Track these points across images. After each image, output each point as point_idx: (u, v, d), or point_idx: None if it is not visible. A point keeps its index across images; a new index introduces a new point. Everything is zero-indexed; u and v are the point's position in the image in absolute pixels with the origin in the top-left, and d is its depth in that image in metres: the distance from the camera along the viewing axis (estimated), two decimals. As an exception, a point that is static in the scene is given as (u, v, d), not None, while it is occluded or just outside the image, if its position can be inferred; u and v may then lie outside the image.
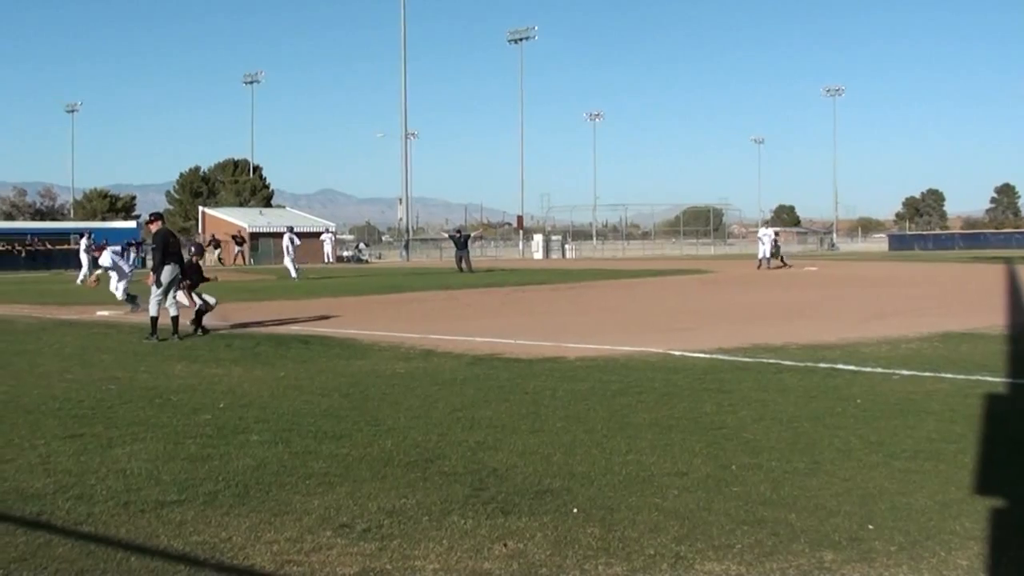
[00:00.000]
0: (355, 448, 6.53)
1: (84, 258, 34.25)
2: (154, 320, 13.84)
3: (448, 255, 56.25)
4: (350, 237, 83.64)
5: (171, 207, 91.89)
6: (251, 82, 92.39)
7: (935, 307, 18.76)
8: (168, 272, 14.12)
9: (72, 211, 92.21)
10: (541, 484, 5.56)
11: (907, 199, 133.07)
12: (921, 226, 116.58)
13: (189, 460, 6.21)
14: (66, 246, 50.97)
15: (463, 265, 38.46)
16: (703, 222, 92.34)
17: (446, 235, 54.72)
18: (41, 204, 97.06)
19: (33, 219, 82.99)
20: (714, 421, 7.36)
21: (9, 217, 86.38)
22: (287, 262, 35.31)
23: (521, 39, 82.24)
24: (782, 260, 40.52)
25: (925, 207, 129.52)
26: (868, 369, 9.89)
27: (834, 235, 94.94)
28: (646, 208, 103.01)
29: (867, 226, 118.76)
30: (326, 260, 56.44)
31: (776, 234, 42.00)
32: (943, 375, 9.42)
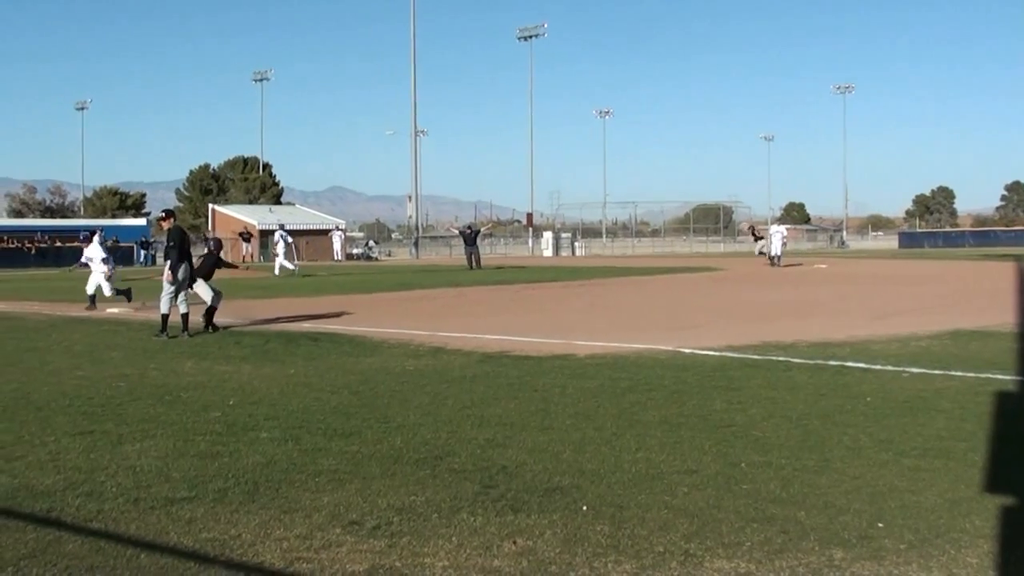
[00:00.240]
0: (365, 445, 6.54)
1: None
2: (164, 317, 13.88)
3: (458, 252, 56.37)
4: (360, 235, 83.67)
5: (181, 204, 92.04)
6: (261, 80, 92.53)
7: (945, 305, 18.70)
8: (184, 270, 14.18)
9: (82, 208, 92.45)
10: (551, 482, 5.56)
11: (917, 196, 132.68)
12: (931, 224, 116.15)
13: (199, 457, 6.23)
14: (75, 243, 51.02)
15: (472, 261, 38.50)
16: (713, 220, 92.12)
17: (456, 232, 54.67)
18: (51, 202, 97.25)
19: (43, 216, 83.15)
20: (723, 419, 7.35)
21: (19, 214, 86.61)
22: (281, 260, 34.97)
23: (531, 36, 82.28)
24: (771, 259, 38.05)
25: (935, 204, 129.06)
26: (878, 367, 9.86)
27: (844, 232, 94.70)
28: (656, 206, 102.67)
29: (877, 223, 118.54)
30: (336, 257, 56.60)
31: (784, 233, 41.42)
32: (953, 373, 9.38)
